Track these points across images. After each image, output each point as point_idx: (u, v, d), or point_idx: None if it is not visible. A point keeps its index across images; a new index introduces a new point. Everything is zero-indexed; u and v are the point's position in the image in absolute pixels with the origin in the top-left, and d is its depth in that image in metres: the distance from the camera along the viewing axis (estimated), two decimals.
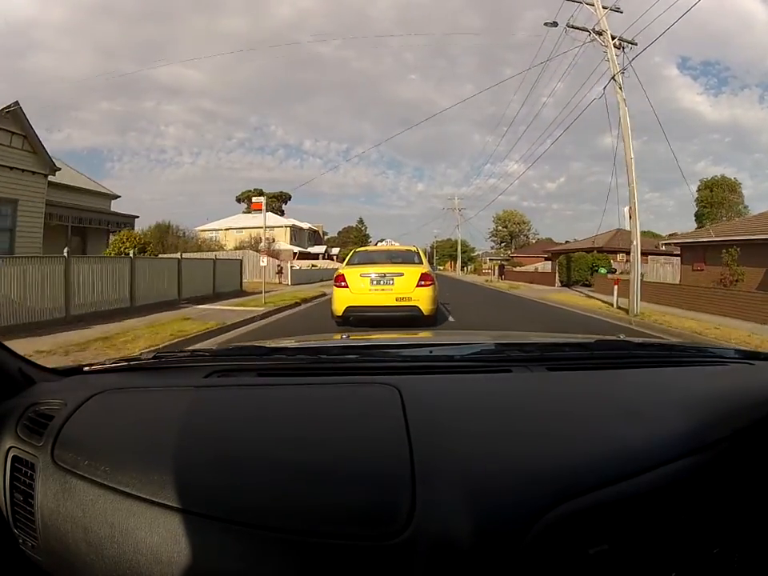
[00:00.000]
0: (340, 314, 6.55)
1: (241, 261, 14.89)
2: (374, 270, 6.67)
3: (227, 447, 0.65)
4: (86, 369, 0.98)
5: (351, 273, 6.72)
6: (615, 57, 10.51)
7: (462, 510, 0.54)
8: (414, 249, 8.03)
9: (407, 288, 6.52)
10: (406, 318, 6.34)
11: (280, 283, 20.17)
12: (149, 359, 0.99)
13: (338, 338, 1.24)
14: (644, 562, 0.57)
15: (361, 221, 58.53)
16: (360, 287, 6.54)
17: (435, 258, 59.03)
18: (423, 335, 2.31)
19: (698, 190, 31.36)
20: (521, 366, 0.93)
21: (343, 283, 6.61)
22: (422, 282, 6.57)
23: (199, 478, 0.61)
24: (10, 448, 0.74)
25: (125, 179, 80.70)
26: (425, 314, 6.50)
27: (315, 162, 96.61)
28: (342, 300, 6.56)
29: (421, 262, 7.15)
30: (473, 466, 0.59)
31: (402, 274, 6.60)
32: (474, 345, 1.20)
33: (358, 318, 6.40)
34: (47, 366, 0.98)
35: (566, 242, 35.34)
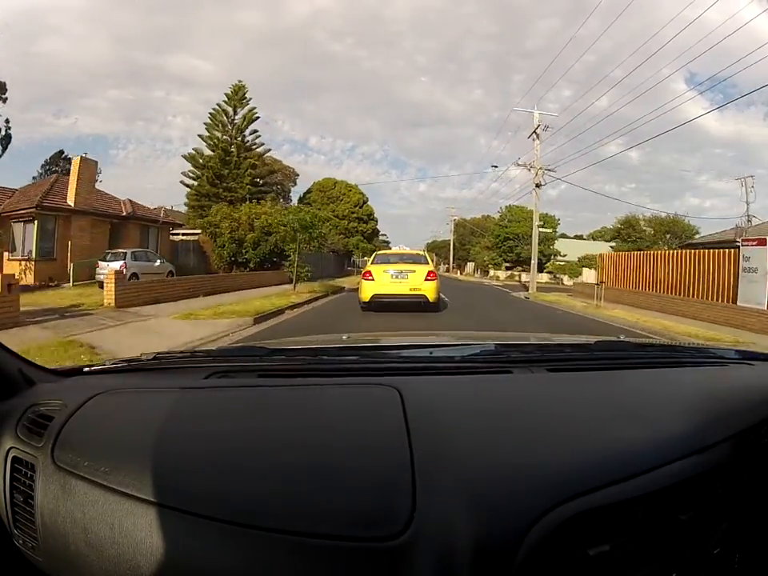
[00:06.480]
0: (367, 300, 8.45)
1: None
2: (393, 268, 8.72)
3: (227, 448, 0.65)
4: (85, 370, 0.98)
5: (376, 269, 8.73)
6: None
7: (462, 512, 0.54)
8: (422, 252, 10.75)
9: (418, 281, 8.51)
10: (416, 303, 8.37)
11: None
12: (149, 360, 0.99)
13: (339, 339, 1.23)
14: (645, 562, 0.57)
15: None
16: (383, 280, 8.52)
17: (455, 251, 51.75)
18: (423, 336, 2.31)
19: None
20: (521, 367, 0.93)
21: (370, 277, 8.62)
22: (429, 278, 8.59)
23: (199, 478, 0.61)
24: (10, 449, 0.74)
25: (128, 167, 78.47)
26: (430, 301, 8.45)
27: (319, 158, 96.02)
28: (369, 289, 8.50)
29: (427, 263, 9.23)
30: (473, 467, 0.59)
31: (414, 271, 8.64)
32: (475, 345, 1.19)
33: (380, 303, 8.31)
34: (47, 367, 0.98)
35: None
